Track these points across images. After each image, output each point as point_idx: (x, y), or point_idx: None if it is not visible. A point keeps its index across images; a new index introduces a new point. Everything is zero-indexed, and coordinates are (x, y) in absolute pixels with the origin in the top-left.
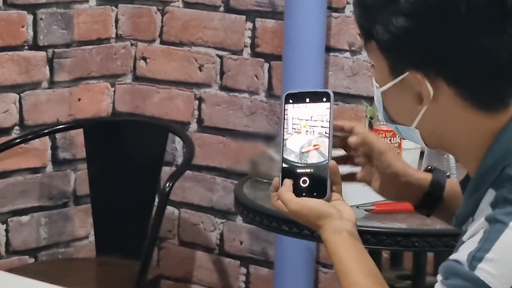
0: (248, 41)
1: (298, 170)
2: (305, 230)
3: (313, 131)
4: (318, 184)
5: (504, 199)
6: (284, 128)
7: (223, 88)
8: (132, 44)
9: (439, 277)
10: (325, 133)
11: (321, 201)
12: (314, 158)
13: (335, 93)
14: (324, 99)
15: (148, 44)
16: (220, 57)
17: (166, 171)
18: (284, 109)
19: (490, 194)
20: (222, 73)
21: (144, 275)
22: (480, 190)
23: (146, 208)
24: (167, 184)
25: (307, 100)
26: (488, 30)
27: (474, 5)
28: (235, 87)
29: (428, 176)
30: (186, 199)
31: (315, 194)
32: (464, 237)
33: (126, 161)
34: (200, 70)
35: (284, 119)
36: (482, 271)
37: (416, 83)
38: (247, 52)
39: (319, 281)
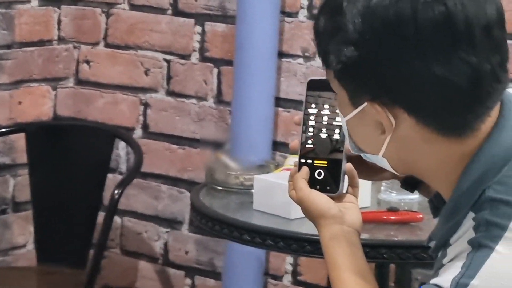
0: (197, 45)
1: (315, 162)
2: (257, 238)
3: (321, 122)
4: (332, 178)
5: (487, 222)
6: (304, 117)
7: (170, 93)
8: (75, 47)
9: None
10: (329, 127)
11: (329, 199)
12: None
13: (287, 100)
14: None
15: (92, 47)
16: (168, 61)
17: (110, 178)
18: (306, 97)
19: (470, 217)
20: (169, 78)
21: (92, 285)
22: (458, 214)
23: (90, 216)
24: (116, 192)
25: (328, 88)
26: (439, 57)
27: (422, 32)
28: (182, 93)
29: None
30: (130, 207)
31: (328, 188)
32: (444, 260)
33: (69, 167)
34: (146, 74)
35: (305, 107)
36: None
37: (376, 113)
38: (195, 56)
39: None
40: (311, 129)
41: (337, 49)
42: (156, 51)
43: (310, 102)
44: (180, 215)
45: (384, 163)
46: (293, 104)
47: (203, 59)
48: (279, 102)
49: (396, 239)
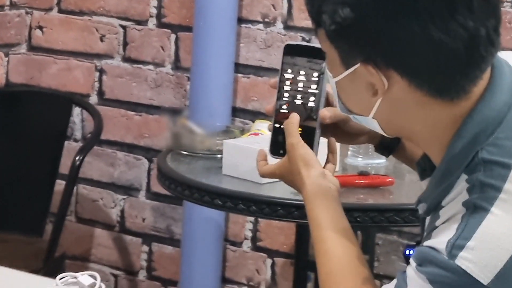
0: (154, 11)
1: None
2: (229, 202)
3: (296, 89)
4: (306, 142)
5: (481, 183)
6: (278, 83)
7: (126, 59)
8: (27, 13)
9: (412, 263)
10: (308, 91)
11: (315, 154)
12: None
13: (247, 66)
14: (321, 56)
15: (45, 12)
16: (124, 27)
17: (65, 145)
18: (282, 61)
19: (463, 179)
20: (125, 44)
21: (52, 253)
22: (450, 176)
23: (48, 184)
24: (77, 158)
25: (305, 54)
26: (437, 21)
27: None
28: (139, 59)
29: None
30: (85, 174)
31: None
32: (437, 222)
33: (25, 134)
34: (102, 40)
35: (281, 72)
36: (463, 260)
37: (368, 75)
38: (152, 22)
39: (227, 259)
40: (286, 95)
41: (332, 9)
42: (112, 17)
43: (286, 67)
44: (137, 182)
45: (374, 125)
46: (253, 70)
47: (160, 25)
48: (239, 68)
49: (368, 202)
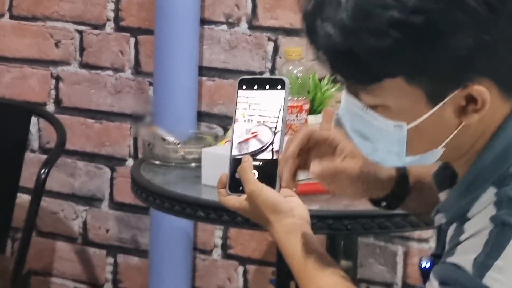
0: (111, 14)
1: None
2: (212, 214)
3: (251, 120)
4: (268, 177)
5: (510, 199)
6: (235, 116)
7: (83, 65)
8: None
9: (434, 281)
10: (263, 122)
11: (278, 194)
12: (253, 147)
13: (211, 68)
14: (279, 87)
15: None
16: (80, 32)
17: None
18: (237, 96)
19: (491, 193)
20: (82, 50)
21: (20, 270)
22: (478, 188)
23: (9, 198)
24: (43, 171)
25: (260, 86)
26: None
27: None
28: (97, 64)
29: (392, 169)
30: (44, 186)
31: None
32: (462, 237)
33: None
34: (57, 46)
35: (236, 107)
36: (492, 280)
37: (461, 98)
38: (110, 26)
39: (197, 268)
40: (244, 128)
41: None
42: (67, 21)
43: (242, 101)
44: (99, 192)
45: (434, 157)
46: (217, 72)
47: (119, 28)
48: (203, 71)
49: (358, 208)
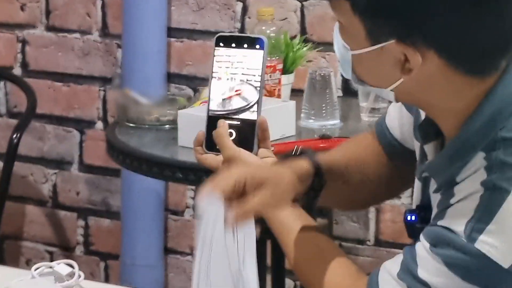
0: None
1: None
2: (191, 175)
3: (234, 78)
4: (245, 138)
5: (501, 162)
6: (212, 74)
7: (50, 28)
8: None
9: (425, 242)
10: (247, 80)
11: (256, 157)
12: (237, 104)
13: (179, 29)
14: (258, 46)
15: None
16: None
17: None
18: (214, 53)
19: (481, 157)
20: (48, 12)
21: None
22: (467, 153)
23: None
24: (15, 136)
25: (238, 45)
26: (493, 6)
27: None
28: (64, 27)
29: (305, 163)
30: (17, 151)
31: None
32: (452, 200)
33: None
34: (22, 9)
35: (212, 64)
36: (483, 243)
37: (399, 52)
38: None
39: (169, 229)
40: (221, 88)
41: None
42: None
43: (219, 59)
44: (68, 155)
45: (388, 95)
46: (186, 33)
47: None
48: (171, 32)
49: None
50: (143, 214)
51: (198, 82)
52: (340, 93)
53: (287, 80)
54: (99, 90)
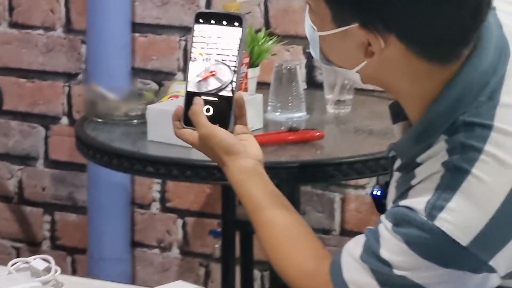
0: None
1: (203, 97)
2: (162, 169)
3: (210, 58)
4: (222, 114)
5: (462, 145)
6: (190, 53)
7: (13, 25)
8: None
9: (386, 223)
10: (222, 60)
11: (232, 135)
12: (212, 85)
13: (143, 24)
14: (236, 23)
15: None
16: None
17: None
18: (193, 30)
19: (442, 139)
20: (11, 9)
21: None
22: (430, 136)
23: None
24: None
25: (217, 22)
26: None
27: None
28: (27, 23)
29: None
30: None
31: (218, 124)
32: (413, 181)
33: None
34: None
35: (191, 43)
36: (443, 221)
37: (363, 36)
38: None
39: (135, 222)
40: (200, 64)
41: None
42: None
43: (198, 35)
44: (33, 151)
45: (355, 77)
46: (150, 28)
47: None
48: (135, 27)
49: (307, 159)
50: (110, 208)
51: (162, 77)
52: (305, 86)
53: (253, 74)
54: (64, 85)
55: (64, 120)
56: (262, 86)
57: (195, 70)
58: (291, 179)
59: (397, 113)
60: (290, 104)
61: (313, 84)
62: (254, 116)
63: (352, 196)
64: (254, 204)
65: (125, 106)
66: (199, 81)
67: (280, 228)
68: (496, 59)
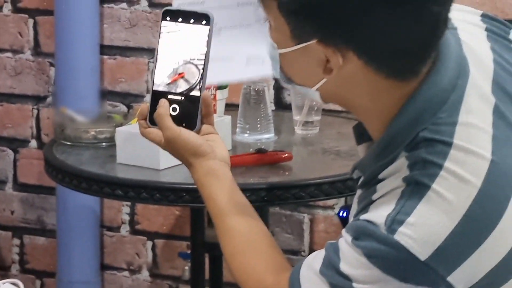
0: None
1: (169, 97)
2: (131, 192)
3: (177, 57)
4: (188, 114)
5: (423, 160)
6: (157, 53)
7: None
8: None
9: (347, 236)
10: (190, 59)
11: (198, 136)
12: (181, 87)
13: (112, 47)
14: (204, 22)
15: None
16: None
17: None
18: (160, 27)
19: (403, 156)
20: None
21: None
22: (391, 152)
23: None
24: None
25: (185, 19)
26: (409, 8)
27: None
28: None
29: None
30: None
31: (184, 124)
32: (374, 196)
33: None
34: None
35: (158, 42)
36: (403, 235)
37: (322, 52)
38: (7, 8)
39: (105, 245)
40: (166, 63)
41: None
42: None
43: (165, 33)
44: (2, 174)
45: (315, 96)
46: (118, 50)
47: (16, 10)
48: (104, 49)
49: (274, 180)
50: (79, 231)
51: (131, 99)
52: (274, 107)
53: (222, 96)
54: (33, 108)
55: (33, 143)
56: (230, 107)
57: (162, 68)
58: (259, 201)
59: (361, 134)
60: (258, 125)
61: (281, 105)
62: (223, 138)
63: (321, 217)
64: (218, 209)
65: (94, 129)
66: (168, 83)
67: (242, 236)
68: (455, 77)
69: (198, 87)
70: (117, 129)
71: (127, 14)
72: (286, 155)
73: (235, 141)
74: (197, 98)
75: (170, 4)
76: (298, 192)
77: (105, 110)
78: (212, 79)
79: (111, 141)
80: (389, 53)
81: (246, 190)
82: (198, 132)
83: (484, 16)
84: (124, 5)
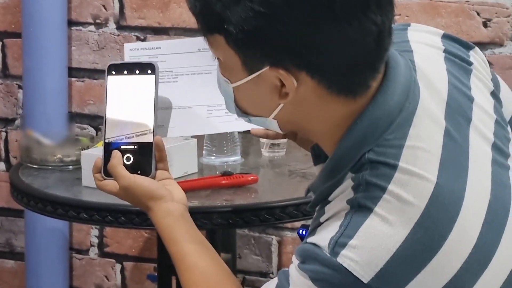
0: None
1: (122, 147)
2: (96, 215)
3: (128, 106)
4: (143, 161)
5: (366, 183)
6: (106, 103)
7: None
8: None
9: (295, 260)
10: (139, 109)
11: (153, 181)
12: (133, 136)
13: (80, 69)
14: (149, 71)
15: None
16: None
17: None
18: (107, 82)
19: (349, 177)
20: None
21: None
22: (338, 173)
23: None
24: None
25: (130, 71)
26: (352, 20)
27: None
28: None
29: None
30: None
31: (139, 172)
32: (322, 218)
33: None
34: None
35: (106, 93)
36: (345, 258)
37: (275, 78)
38: None
39: (74, 268)
40: (115, 114)
41: (240, 18)
42: None
43: (113, 88)
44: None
45: (272, 125)
46: (87, 73)
47: None
48: (72, 72)
49: (240, 203)
50: (48, 254)
51: (99, 121)
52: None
53: None
54: (1, 131)
55: (1, 165)
56: None
57: (112, 121)
58: (225, 223)
59: (318, 155)
60: (225, 148)
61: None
62: (189, 161)
63: (289, 238)
64: (177, 248)
65: (60, 151)
66: (117, 129)
67: (201, 273)
68: (403, 99)
69: (149, 133)
70: (83, 152)
71: (95, 36)
72: (252, 177)
73: (202, 164)
74: (149, 145)
75: (137, 27)
76: (264, 214)
77: (72, 133)
78: (173, 133)
79: (77, 164)
80: (340, 68)
81: (212, 212)
82: (153, 177)
83: (445, 37)
84: (92, 27)
